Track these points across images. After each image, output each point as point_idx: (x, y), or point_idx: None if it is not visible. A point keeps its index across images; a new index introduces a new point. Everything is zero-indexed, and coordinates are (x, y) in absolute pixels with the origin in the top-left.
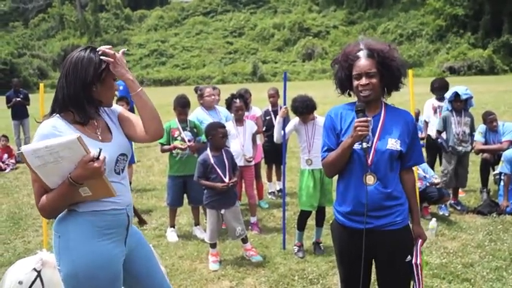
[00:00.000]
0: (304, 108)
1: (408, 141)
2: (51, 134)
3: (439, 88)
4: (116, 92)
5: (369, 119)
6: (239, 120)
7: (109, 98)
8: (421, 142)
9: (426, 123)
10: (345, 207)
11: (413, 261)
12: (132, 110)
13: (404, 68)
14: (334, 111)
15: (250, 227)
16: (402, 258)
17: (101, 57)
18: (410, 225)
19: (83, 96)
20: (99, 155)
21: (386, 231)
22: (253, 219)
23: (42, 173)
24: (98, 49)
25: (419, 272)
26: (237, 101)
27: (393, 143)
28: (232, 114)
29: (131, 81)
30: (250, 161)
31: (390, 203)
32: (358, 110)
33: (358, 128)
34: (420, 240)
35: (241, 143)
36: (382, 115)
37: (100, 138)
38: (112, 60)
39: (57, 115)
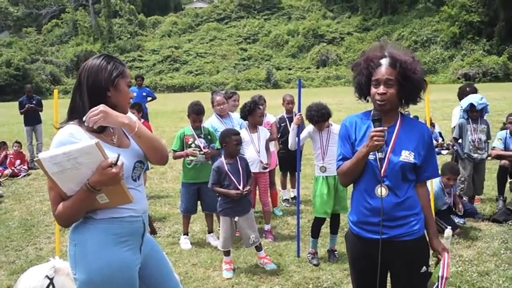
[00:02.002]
0: (320, 116)
1: (423, 153)
2: (68, 141)
3: (471, 93)
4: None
5: (385, 128)
6: (254, 127)
7: (124, 104)
8: (437, 149)
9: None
10: (358, 217)
11: (440, 274)
12: (145, 117)
13: (424, 82)
14: (348, 120)
15: (264, 235)
16: (418, 269)
17: (91, 120)
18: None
19: (98, 102)
20: (117, 161)
21: (401, 241)
22: (267, 227)
23: (59, 179)
24: (85, 120)
25: (443, 285)
26: (261, 107)
27: (407, 155)
28: (246, 122)
29: (127, 125)
30: (267, 168)
31: (404, 213)
32: (375, 119)
33: (375, 138)
34: (447, 254)
35: (256, 149)
36: (397, 126)
37: (116, 144)
38: (101, 117)
39: (74, 122)
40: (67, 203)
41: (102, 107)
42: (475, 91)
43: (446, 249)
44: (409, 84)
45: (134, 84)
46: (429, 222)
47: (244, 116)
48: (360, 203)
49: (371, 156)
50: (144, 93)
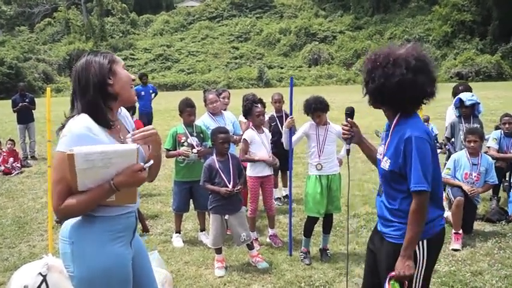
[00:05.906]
0: (318, 103)
1: (401, 162)
2: (86, 136)
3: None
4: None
5: (351, 122)
6: (258, 127)
7: (127, 88)
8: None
9: None
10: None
11: None
12: (150, 116)
13: (388, 82)
14: None
15: (270, 240)
16: (388, 271)
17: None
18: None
19: (102, 95)
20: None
21: (386, 240)
22: (272, 232)
23: (82, 175)
24: (132, 138)
25: None
26: (259, 105)
27: (384, 162)
28: (245, 121)
29: (159, 144)
30: (276, 164)
31: (392, 217)
32: (346, 113)
33: (342, 131)
34: (392, 273)
35: (267, 151)
36: (391, 129)
37: (124, 141)
38: (152, 139)
39: (86, 115)
40: (82, 197)
41: (154, 129)
42: (468, 89)
43: (396, 275)
44: (371, 80)
45: (140, 83)
46: (405, 239)
47: (246, 117)
48: None
49: (379, 156)
50: (151, 91)
